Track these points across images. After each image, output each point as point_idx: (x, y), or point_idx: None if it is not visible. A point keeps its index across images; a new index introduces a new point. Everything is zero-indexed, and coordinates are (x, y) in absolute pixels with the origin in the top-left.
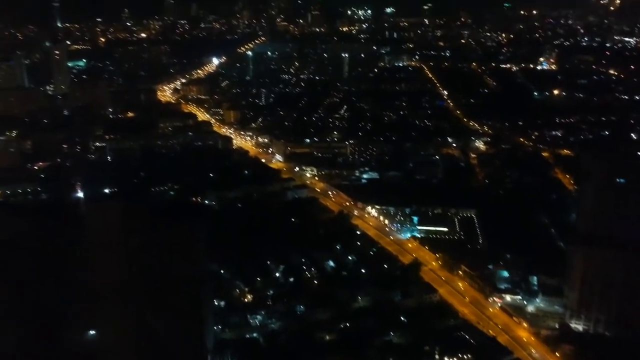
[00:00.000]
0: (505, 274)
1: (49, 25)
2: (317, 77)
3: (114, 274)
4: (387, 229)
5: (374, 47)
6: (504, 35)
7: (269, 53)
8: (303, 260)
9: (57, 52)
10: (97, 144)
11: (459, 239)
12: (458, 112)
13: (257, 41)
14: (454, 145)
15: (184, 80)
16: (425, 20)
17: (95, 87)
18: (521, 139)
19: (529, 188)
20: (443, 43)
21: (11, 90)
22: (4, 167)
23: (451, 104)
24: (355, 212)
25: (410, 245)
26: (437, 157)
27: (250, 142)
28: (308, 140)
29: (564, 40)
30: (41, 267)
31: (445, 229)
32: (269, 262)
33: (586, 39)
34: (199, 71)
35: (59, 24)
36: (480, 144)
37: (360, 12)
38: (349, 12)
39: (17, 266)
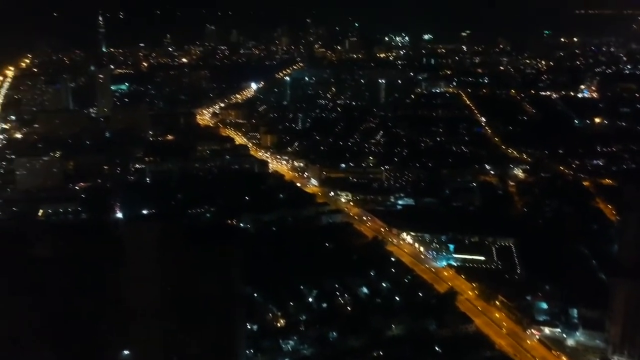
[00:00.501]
0: (544, 305)
1: (95, 50)
2: (353, 103)
3: (149, 294)
4: (422, 256)
5: (411, 73)
6: (543, 62)
7: (306, 78)
8: (336, 285)
9: (101, 76)
10: (137, 165)
11: (497, 268)
12: (496, 139)
13: (294, 67)
14: (492, 172)
15: (222, 105)
16: (463, 47)
17: (136, 110)
18: (561, 168)
19: (569, 218)
20: (481, 70)
21: (56, 112)
22: (47, 186)
23: (489, 130)
24: (390, 239)
25: (446, 273)
26: (474, 184)
27: (286, 166)
28: (343, 165)
29: (606, 68)
30: (78, 285)
31: (482, 258)
32: (302, 287)
33: (629, 66)
34: (238, 96)
35: (104, 49)
36: (519, 172)
37: (397, 39)
38: (387, 39)
39: (55, 284)
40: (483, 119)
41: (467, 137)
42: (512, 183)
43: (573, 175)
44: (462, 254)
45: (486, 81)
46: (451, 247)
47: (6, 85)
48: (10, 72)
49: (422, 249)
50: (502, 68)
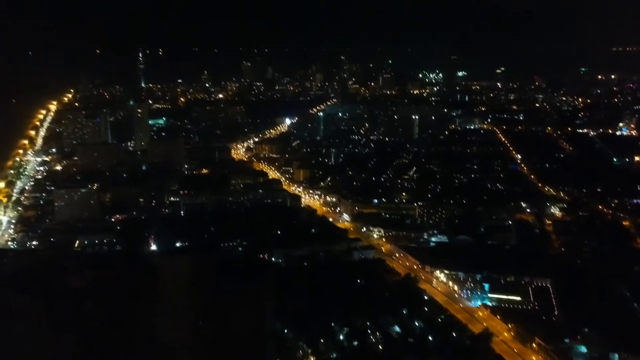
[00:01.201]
0: (583, 349)
1: (134, 85)
2: (386, 139)
3: (181, 327)
4: (456, 295)
5: (445, 110)
6: (580, 99)
7: (339, 114)
8: (368, 323)
9: (139, 110)
10: (172, 198)
11: (533, 309)
12: (532, 176)
13: (328, 103)
14: (528, 210)
15: (256, 139)
16: (498, 83)
17: (172, 144)
18: (600, 207)
19: (608, 258)
20: (516, 106)
21: (95, 145)
22: (84, 218)
23: (525, 168)
24: (423, 276)
25: (480, 313)
26: (510, 222)
27: (318, 200)
28: (376, 201)
29: None
30: (111, 317)
31: (519, 298)
32: (333, 324)
33: None
34: (272, 131)
35: (143, 85)
36: (555, 210)
37: (431, 76)
38: (420, 76)
39: (88, 315)
40: (519, 155)
41: (503, 174)
42: (549, 221)
43: (612, 215)
44: (497, 293)
45: (521, 118)
46: (486, 286)
47: (49, 118)
48: (53, 106)
49: (456, 287)
50: (537, 105)
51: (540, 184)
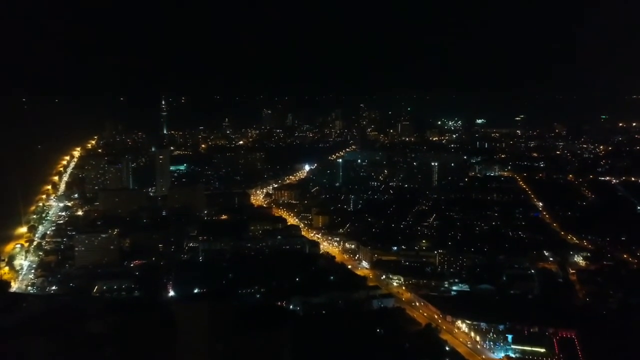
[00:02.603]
0: None
1: (156, 132)
2: (405, 185)
3: None
4: (478, 346)
5: (465, 157)
6: (601, 147)
7: (358, 160)
8: None
9: (161, 156)
10: (191, 244)
11: None
12: (554, 224)
13: (347, 149)
14: (551, 259)
15: (276, 185)
16: (518, 131)
17: (192, 190)
18: (625, 256)
19: (635, 309)
20: (537, 154)
21: (117, 191)
22: (104, 263)
23: (547, 215)
24: (444, 326)
25: None
26: (532, 271)
27: (337, 247)
28: (395, 248)
29: None
30: None
31: (543, 350)
32: None
33: None
34: (291, 177)
35: (165, 131)
36: (579, 259)
37: (450, 123)
38: (439, 123)
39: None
40: (540, 203)
41: (524, 222)
42: (572, 271)
43: (638, 264)
44: (521, 344)
45: (542, 165)
46: (509, 337)
47: (72, 164)
48: (76, 152)
49: (478, 338)
50: (558, 152)
51: (562, 232)
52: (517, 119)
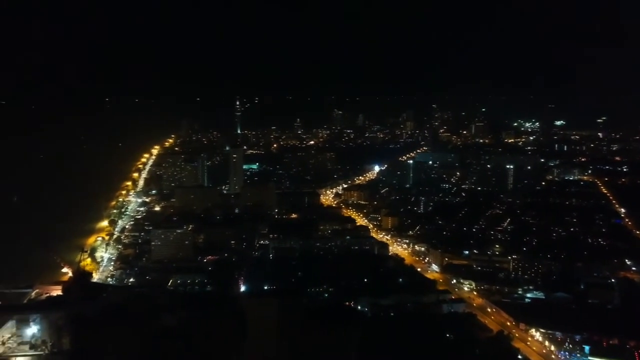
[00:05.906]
0: None
1: (231, 131)
2: (479, 188)
3: None
4: (553, 356)
5: (542, 160)
6: None
7: (430, 162)
8: None
9: (234, 155)
10: (262, 241)
11: None
12: (638, 232)
13: (418, 150)
14: (634, 268)
15: (345, 186)
16: (600, 133)
17: (264, 189)
18: None
19: None
20: (619, 157)
21: (192, 188)
22: (178, 257)
23: (629, 222)
24: (517, 334)
25: None
26: (612, 280)
27: (406, 249)
28: (467, 252)
29: None
30: (199, 355)
31: None
32: None
33: None
34: (361, 177)
35: (239, 131)
36: None
37: (527, 124)
38: (515, 124)
39: (178, 353)
40: (622, 209)
41: (605, 228)
42: None
43: None
44: (598, 357)
45: (625, 170)
46: (586, 348)
47: (151, 162)
48: (155, 151)
49: (552, 348)
50: None
51: None
52: (599, 121)
